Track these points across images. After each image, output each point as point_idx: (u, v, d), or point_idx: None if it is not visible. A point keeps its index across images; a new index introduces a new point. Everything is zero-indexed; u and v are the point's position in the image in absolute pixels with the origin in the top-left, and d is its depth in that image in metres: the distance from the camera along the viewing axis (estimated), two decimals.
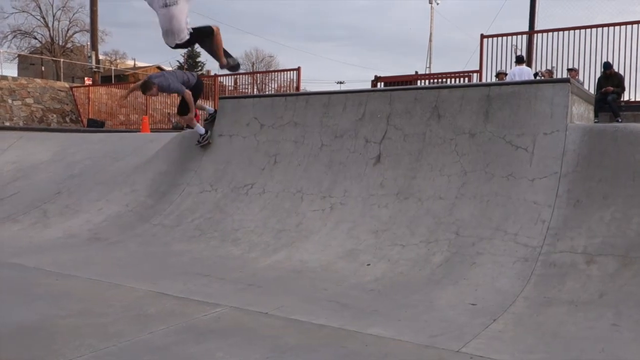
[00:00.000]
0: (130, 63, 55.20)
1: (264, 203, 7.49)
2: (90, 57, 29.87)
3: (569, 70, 14.94)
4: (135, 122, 25.04)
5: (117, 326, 4.26)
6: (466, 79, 17.77)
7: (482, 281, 5.22)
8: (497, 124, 6.60)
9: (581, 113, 7.17)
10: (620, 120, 13.01)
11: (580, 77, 14.94)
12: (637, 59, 14.44)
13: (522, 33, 18.08)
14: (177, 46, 8.43)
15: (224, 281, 5.61)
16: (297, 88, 21.37)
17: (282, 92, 20.60)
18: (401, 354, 3.82)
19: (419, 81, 20.11)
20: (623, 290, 4.71)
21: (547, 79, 13.19)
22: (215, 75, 24.88)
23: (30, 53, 46.89)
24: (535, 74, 15.26)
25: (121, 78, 42.30)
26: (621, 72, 14.33)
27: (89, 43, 33.87)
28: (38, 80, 27.21)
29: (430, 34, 46.01)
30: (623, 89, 14.20)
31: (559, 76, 14.89)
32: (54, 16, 47.83)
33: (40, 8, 47.37)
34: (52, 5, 47.76)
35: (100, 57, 34.99)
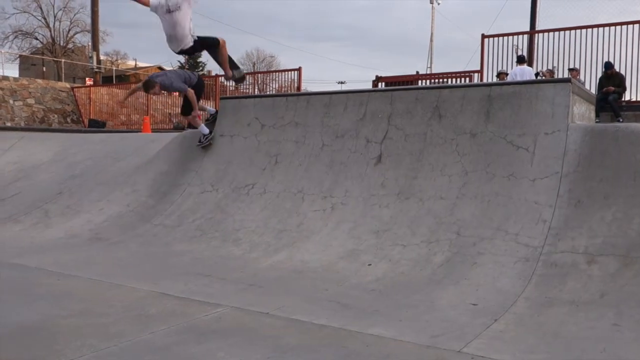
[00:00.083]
0: (131, 63, 55.26)
1: (265, 203, 7.49)
2: (91, 57, 29.93)
3: (570, 70, 14.94)
4: (136, 123, 25.07)
5: (118, 326, 4.26)
6: (467, 79, 17.78)
7: (483, 281, 5.22)
8: (498, 124, 6.59)
9: (582, 113, 7.17)
10: (621, 120, 13.02)
11: (582, 77, 14.94)
12: (638, 58, 14.44)
13: (523, 33, 18.10)
14: (182, 52, 8.49)
15: (225, 281, 5.61)
16: (298, 88, 21.40)
17: (283, 92, 20.61)
18: (402, 354, 3.82)
19: (420, 81, 20.11)
20: (624, 290, 4.71)
21: (548, 78, 13.19)
22: (217, 76, 24.89)
23: (31, 53, 46.96)
24: (537, 74, 15.26)
25: (122, 78, 42.35)
26: (622, 72, 14.33)
27: (90, 43, 33.94)
28: (39, 81, 27.24)
29: (432, 34, 46.06)
30: (624, 89, 14.21)
31: (560, 76, 14.89)
32: (55, 17, 47.92)
33: (41, 8, 47.47)
34: (53, 6, 47.86)
35: (102, 57, 35.02)
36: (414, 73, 22.16)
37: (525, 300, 4.81)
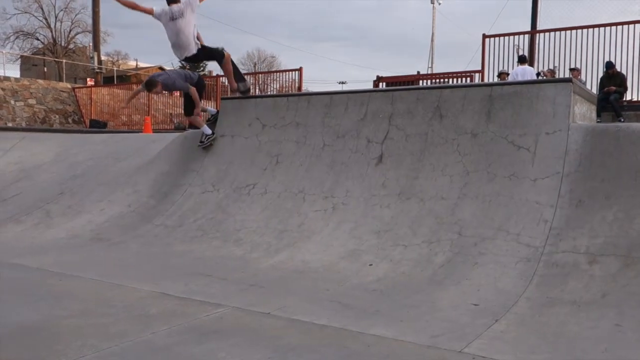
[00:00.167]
0: (132, 64, 55.29)
1: (266, 203, 7.49)
2: (92, 58, 29.97)
3: (571, 69, 14.93)
4: (137, 123, 25.07)
5: (119, 326, 4.26)
6: (468, 79, 17.77)
7: (485, 281, 5.22)
8: (499, 123, 6.59)
9: (583, 113, 7.16)
10: (622, 119, 13.01)
11: (583, 77, 14.93)
12: None
13: (524, 33, 18.10)
14: (187, 59, 8.51)
15: (226, 281, 5.61)
16: (299, 88, 21.40)
17: (284, 92, 20.61)
18: (403, 354, 3.82)
19: (421, 81, 20.10)
20: (625, 290, 4.70)
21: (549, 78, 13.19)
22: (217, 76, 24.90)
23: (32, 54, 46.99)
24: (538, 74, 15.25)
25: (123, 79, 42.35)
26: (623, 72, 14.32)
27: (91, 44, 33.96)
28: (40, 81, 27.26)
29: (432, 34, 46.05)
30: (625, 89, 14.20)
31: (561, 76, 14.88)
32: (56, 17, 47.96)
33: (42, 9, 47.51)
34: (54, 6, 47.91)
35: (103, 57, 35.06)
36: (415, 73, 22.13)
37: (527, 300, 4.81)
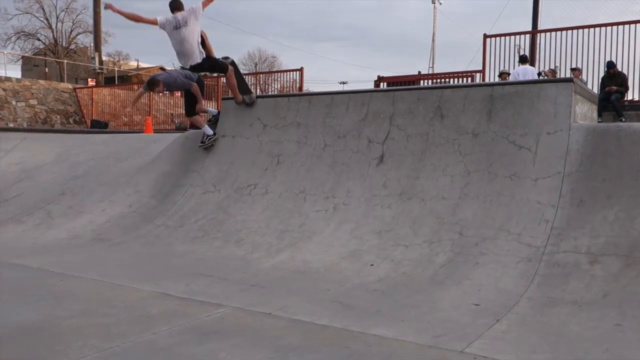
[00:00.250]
0: (133, 64, 55.31)
1: (267, 204, 7.49)
2: (93, 58, 29.96)
3: (572, 69, 14.91)
4: (138, 123, 25.07)
5: (121, 327, 4.26)
6: (469, 78, 17.75)
7: (486, 281, 5.22)
8: (500, 123, 6.59)
9: (584, 112, 7.16)
10: (623, 119, 12.99)
11: (584, 77, 14.91)
12: None
13: (525, 33, 18.07)
14: (191, 68, 8.49)
15: (227, 282, 5.61)
16: (300, 88, 21.39)
17: (285, 92, 20.61)
18: (404, 354, 3.82)
19: (421, 81, 20.08)
20: (627, 290, 4.70)
21: (550, 78, 13.18)
22: (218, 76, 24.88)
23: (33, 54, 47.02)
24: (539, 74, 15.23)
25: (124, 79, 42.38)
26: (625, 72, 14.30)
27: (92, 44, 33.98)
28: (42, 82, 27.27)
29: (433, 34, 46.00)
30: (627, 88, 14.18)
31: (562, 76, 14.87)
32: (57, 18, 47.99)
33: (43, 9, 47.54)
34: (55, 7, 47.91)
35: (104, 58, 35.07)
36: (416, 73, 22.14)
37: (528, 300, 4.80)
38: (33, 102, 25.26)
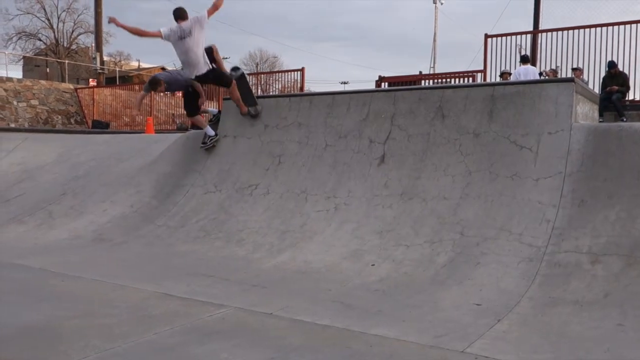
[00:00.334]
0: (134, 64, 55.28)
1: (268, 204, 7.49)
2: (94, 58, 29.99)
3: (573, 69, 14.89)
4: (139, 123, 25.08)
5: (122, 327, 4.27)
6: (470, 78, 17.73)
7: (487, 281, 5.22)
8: (502, 123, 6.59)
9: (586, 112, 7.15)
10: (624, 119, 12.97)
11: (585, 77, 14.89)
12: None
13: (526, 32, 18.03)
14: (196, 78, 8.42)
15: (229, 282, 5.61)
16: (301, 88, 21.37)
17: (286, 92, 20.61)
18: (406, 354, 3.82)
19: (423, 81, 20.06)
20: (628, 289, 4.70)
21: (551, 78, 13.17)
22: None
23: (35, 55, 47.00)
24: (540, 74, 15.21)
25: (126, 79, 42.38)
26: (626, 71, 14.28)
27: (93, 44, 33.98)
28: (43, 82, 27.28)
29: (435, 33, 45.91)
30: (628, 88, 14.15)
31: (564, 75, 14.86)
32: (58, 18, 47.94)
33: (45, 10, 47.50)
34: (56, 7, 47.86)
35: (105, 58, 35.09)
36: (417, 73, 22.12)
37: (529, 300, 4.80)
38: (34, 102, 25.27)
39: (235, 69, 9.13)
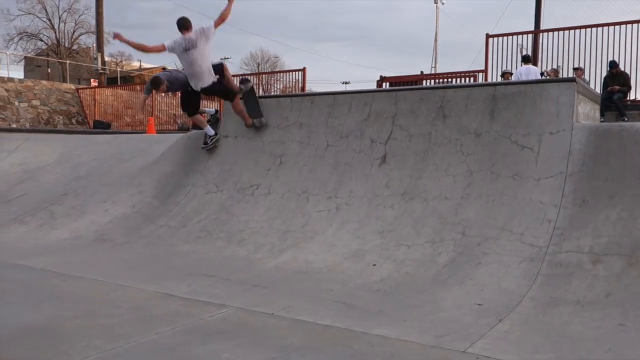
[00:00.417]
0: (135, 64, 55.28)
1: (270, 204, 7.50)
2: (96, 58, 30.00)
3: (574, 69, 14.88)
4: (141, 124, 25.08)
5: (124, 327, 4.27)
6: (471, 78, 17.72)
7: (488, 281, 5.22)
8: (503, 123, 6.59)
9: (587, 112, 7.15)
10: (626, 119, 12.96)
11: (586, 76, 14.88)
12: None
13: (527, 32, 18.02)
14: (203, 91, 8.35)
15: (230, 282, 5.62)
16: (303, 88, 21.36)
17: (288, 92, 20.60)
18: (407, 354, 3.82)
19: (424, 81, 20.06)
20: (629, 289, 4.70)
21: (552, 78, 13.16)
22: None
23: (36, 55, 47.02)
24: (541, 74, 15.21)
25: (127, 79, 42.36)
26: (627, 71, 14.28)
27: (94, 45, 33.99)
28: (44, 82, 27.29)
29: (436, 33, 45.92)
30: (629, 88, 14.15)
31: (565, 75, 14.85)
32: (59, 18, 47.95)
33: (46, 10, 47.52)
34: (58, 8, 47.86)
35: (106, 58, 35.10)
36: (419, 73, 22.10)
37: (530, 300, 4.80)
38: (36, 102, 25.28)
39: (244, 81, 9.07)
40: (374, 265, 5.85)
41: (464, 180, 6.45)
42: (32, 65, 46.50)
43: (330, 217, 6.89)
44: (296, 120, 8.21)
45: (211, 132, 8.86)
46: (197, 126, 9.48)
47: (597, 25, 15.03)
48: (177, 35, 8.08)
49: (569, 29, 15.56)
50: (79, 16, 48.25)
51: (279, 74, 26.29)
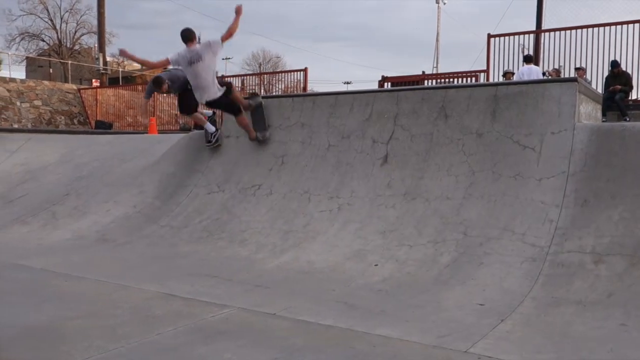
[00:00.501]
0: (137, 65, 55.32)
1: (271, 204, 7.50)
2: (97, 59, 29.99)
3: (576, 69, 14.87)
4: (142, 124, 25.10)
5: (126, 327, 4.28)
6: (473, 78, 17.71)
7: (490, 281, 5.21)
8: (505, 123, 6.58)
9: (589, 112, 7.15)
10: (628, 119, 12.94)
11: (588, 76, 14.87)
12: None
13: (529, 32, 17.99)
14: (208, 104, 8.27)
15: (232, 282, 5.62)
16: (304, 89, 21.35)
17: (289, 93, 20.60)
18: (409, 354, 3.82)
19: (426, 81, 20.04)
20: (631, 289, 4.69)
21: (554, 78, 13.15)
22: (222, 77, 24.90)
23: (38, 55, 47.05)
24: (543, 73, 15.19)
25: (129, 80, 42.36)
26: (629, 71, 14.26)
27: (96, 45, 33.99)
28: (46, 83, 27.31)
29: (438, 33, 45.89)
30: (631, 88, 14.12)
31: (567, 75, 14.84)
32: (61, 18, 47.97)
33: (48, 10, 47.53)
34: (59, 8, 47.89)
35: (108, 58, 35.10)
36: (420, 73, 22.08)
37: (532, 300, 4.80)
38: (37, 102, 25.30)
39: (253, 96, 8.99)
40: (376, 265, 5.85)
41: (466, 180, 6.45)
42: (34, 66, 46.56)
43: (332, 217, 6.89)
44: (298, 120, 8.21)
45: (211, 128, 8.85)
46: (199, 126, 9.46)
47: (598, 25, 15.02)
48: (181, 47, 7.88)
49: (571, 28, 15.55)
50: (81, 16, 48.28)
51: (280, 74, 26.31)
